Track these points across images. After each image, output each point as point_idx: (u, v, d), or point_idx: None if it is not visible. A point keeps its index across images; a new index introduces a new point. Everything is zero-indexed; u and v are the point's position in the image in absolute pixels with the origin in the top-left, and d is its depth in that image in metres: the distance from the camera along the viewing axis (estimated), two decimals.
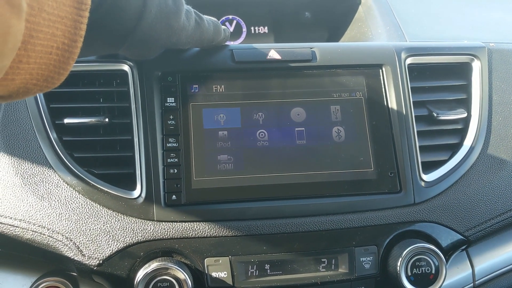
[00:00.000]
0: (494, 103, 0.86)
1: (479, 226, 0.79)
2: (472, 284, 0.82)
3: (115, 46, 0.55)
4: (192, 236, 0.72)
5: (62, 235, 0.70)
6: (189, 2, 1.19)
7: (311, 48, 0.81)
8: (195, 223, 0.72)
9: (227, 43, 0.80)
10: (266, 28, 1.25)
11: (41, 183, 0.72)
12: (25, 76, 0.40)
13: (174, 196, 0.72)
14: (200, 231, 0.72)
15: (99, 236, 0.70)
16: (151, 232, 0.71)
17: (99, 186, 0.72)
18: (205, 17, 0.69)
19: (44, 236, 0.71)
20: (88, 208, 0.71)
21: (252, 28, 1.24)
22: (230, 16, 1.23)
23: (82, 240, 0.70)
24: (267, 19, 1.25)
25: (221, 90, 0.78)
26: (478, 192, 0.80)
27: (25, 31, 0.37)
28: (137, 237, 0.71)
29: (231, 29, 1.23)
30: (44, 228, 0.71)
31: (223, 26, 0.75)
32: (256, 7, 1.24)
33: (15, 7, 0.34)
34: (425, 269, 0.73)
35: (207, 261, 0.72)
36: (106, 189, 0.72)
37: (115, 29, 0.51)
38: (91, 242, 0.70)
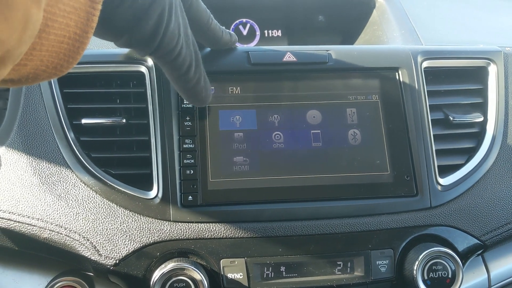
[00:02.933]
0: (510, 107, 0.86)
1: (496, 231, 0.79)
2: None
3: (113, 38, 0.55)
4: (208, 237, 0.72)
5: (79, 235, 0.71)
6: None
7: (327, 50, 0.81)
8: (211, 224, 0.72)
9: (240, 45, 0.80)
10: (279, 31, 1.25)
11: (59, 182, 0.73)
12: (36, 62, 0.41)
13: (190, 197, 0.72)
14: (216, 232, 0.72)
15: (116, 236, 0.71)
16: (167, 232, 0.71)
17: (116, 186, 0.73)
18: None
19: (61, 235, 0.71)
20: (105, 208, 0.72)
21: (266, 31, 1.25)
22: (244, 20, 1.24)
23: (99, 239, 0.71)
24: (281, 23, 1.26)
25: (237, 92, 0.78)
26: (495, 196, 0.80)
27: (42, 20, 0.38)
28: (154, 237, 0.71)
29: (245, 32, 1.24)
30: (62, 227, 0.71)
31: (230, 31, 0.76)
32: (269, 10, 1.25)
33: None
34: (441, 273, 0.73)
35: (223, 262, 0.72)
36: (123, 189, 0.73)
37: (117, 22, 0.52)
38: (108, 242, 0.71)
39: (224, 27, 0.74)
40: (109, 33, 0.53)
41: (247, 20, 1.24)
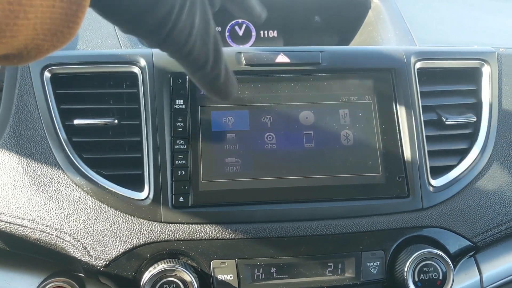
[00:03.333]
0: (504, 108, 0.86)
1: (488, 232, 0.79)
2: None
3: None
4: (199, 238, 0.72)
5: (70, 236, 0.71)
6: None
7: (320, 51, 0.81)
8: (202, 225, 0.72)
9: (236, 46, 0.80)
10: (275, 32, 1.25)
11: (50, 183, 0.73)
12: (28, 32, 0.37)
13: (181, 198, 0.73)
14: (206, 233, 0.72)
15: (106, 237, 0.71)
16: (158, 233, 0.71)
17: (107, 187, 0.73)
18: None
19: (52, 236, 0.71)
20: (96, 209, 0.72)
21: (262, 32, 1.24)
22: (240, 20, 1.23)
23: (90, 240, 0.71)
24: (277, 23, 1.25)
25: None
26: (487, 198, 0.80)
27: None
28: (144, 238, 0.71)
29: (241, 33, 1.23)
30: (52, 228, 0.71)
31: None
32: (265, 11, 1.24)
33: None
34: (432, 275, 0.73)
35: (213, 263, 0.72)
36: (114, 190, 0.73)
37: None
38: (98, 243, 0.71)
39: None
40: (115, 16, 0.47)
41: (243, 20, 1.23)
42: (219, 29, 1.23)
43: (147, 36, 0.50)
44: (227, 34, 1.22)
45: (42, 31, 0.38)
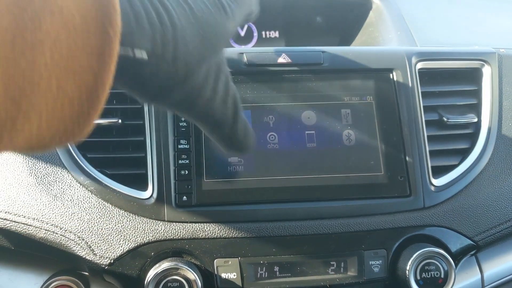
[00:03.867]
0: (505, 108, 0.86)
1: (489, 231, 0.79)
2: None
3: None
4: (202, 237, 0.72)
5: (75, 234, 0.71)
6: None
7: (322, 51, 0.82)
8: (205, 224, 0.73)
9: (238, 46, 0.81)
10: (277, 32, 1.26)
11: (55, 183, 0.73)
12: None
13: (185, 197, 0.73)
14: (210, 232, 0.72)
15: (111, 235, 0.71)
16: (161, 232, 0.72)
17: (111, 186, 0.73)
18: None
19: (56, 235, 0.72)
20: (100, 208, 0.72)
21: (263, 32, 1.25)
22: None
23: (94, 239, 0.71)
24: (278, 24, 1.26)
25: None
26: (488, 197, 0.80)
27: None
28: (148, 237, 0.72)
29: (242, 33, 1.24)
30: (57, 227, 0.72)
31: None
32: (267, 11, 1.25)
33: None
34: (434, 274, 0.73)
35: (216, 262, 0.72)
36: (118, 189, 0.73)
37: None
38: (103, 242, 0.71)
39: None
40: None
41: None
42: None
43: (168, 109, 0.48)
44: None
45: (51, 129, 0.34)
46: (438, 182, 0.79)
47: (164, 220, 0.72)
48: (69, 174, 0.74)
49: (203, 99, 0.47)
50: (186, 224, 0.72)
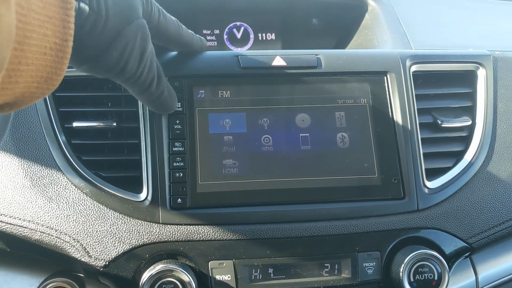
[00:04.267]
0: (499, 111, 0.87)
1: (483, 233, 0.80)
2: None
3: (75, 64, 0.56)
4: (197, 239, 0.73)
5: (69, 236, 0.72)
6: (196, 9, 1.21)
7: (316, 55, 0.82)
8: (199, 226, 0.73)
9: (234, 49, 0.81)
10: (273, 35, 1.26)
11: (50, 185, 0.74)
12: (26, 78, 0.41)
13: (179, 200, 0.73)
14: (204, 234, 0.73)
15: (106, 237, 0.72)
16: (156, 234, 0.72)
17: (106, 188, 0.74)
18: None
19: (51, 237, 0.72)
20: (95, 210, 0.73)
21: (260, 34, 1.26)
22: (238, 23, 1.25)
23: (89, 241, 0.72)
24: (275, 26, 1.27)
25: (227, 96, 0.79)
26: (482, 199, 0.81)
27: (19, 32, 0.38)
28: (143, 239, 0.72)
29: (239, 36, 1.25)
30: (52, 229, 0.72)
31: (198, 35, 0.78)
32: (263, 14, 1.25)
33: None
34: (427, 276, 0.73)
35: (211, 264, 0.72)
36: (113, 192, 0.74)
37: (81, 51, 0.53)
38: (98, 244, 0.72)
39: (192, 32, 0.76)
40: (71, 59, 0.53)
41: (241, 23, 1.25)
42: (217, 31, 1.24)
43: (104, 71, 0.57)
44: (225, 37, 1.23)
45: (36, 78, 0.43)
46: (432, 184, 0.79)
47: (158, 223, 0.72)
48: (64, 177, 0.74)
49: (132, 60, 0.56)
50: (180, 226, 0.73)
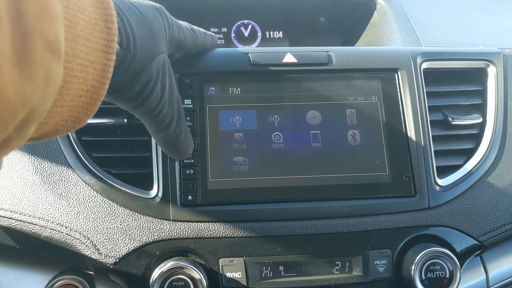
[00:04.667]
0: (510, 108, 0.86)
1: (494, 232, 0.79)
2: None
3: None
4: (207, 236, 0.72)
5: (80, 233, 0.72)
6: (204, 7, 1.21)
7: (327, 51, 0.82)
8: (210, 223, 0.73)
9: (242, 47, 0.81)
10: (281, 33, 1.26)
11: (60, 182, 0.73)
12: (57, 119, 0.41)
13: (190, 197, 0.73)
14: (215, 232, 0.72)
15: (116, 234, 0.71)
16: (167, 231, 0.72)
17: (116, 185, 0.74)
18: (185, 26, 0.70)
19: (62, 234, 0.72)
20: (105, 207, 0.73)
21: (267, 32, 1.25)
22: (246, 21, 1.24)
23: (99, 238, 0.71)
24: (282, 24, 1.26)
25: (237, 93, 0.79)
26: (493, 197, 0.80)
27: (62, 77, 0.38)
28: (153, 236, 0.72)
29: (246, 34, 1.24)
30: (62, 226, 0.72)
31: (209, 32, 0.77)
32: (271, 12, 1.25)
33: (55, 53, 0.35)
34: (439, 274, 0.73)
35: (221, 261, 0.72)
36: (123, 189, 0.73)
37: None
38: (108, 241, 0.71)
39: (204, 31, 0.75)
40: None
41: (249, 21, 1.24)
42: (225, 30, 1.23)
43: (126, 102, 0.56)
44: (233, 35, 1.23)
45: (66, 118, 0.42)
46: (443, 182, 0.79)
47: (169, 220, 0.72)
48: (75, 173, 0.74)
49: (154, 94, 0.57)
50: (191, 223, 0.72)
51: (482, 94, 0.87)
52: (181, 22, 0.68)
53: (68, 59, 0.39)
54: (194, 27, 0.72)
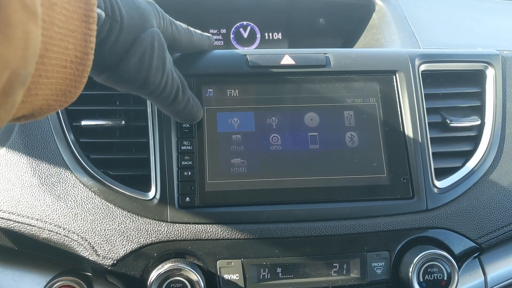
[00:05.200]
0: (508, 110, 0.86)
1: (492, 234, 0.79)
2: None
3: (94, 74, 0.56)
4: (205, 238, 0.72)
5: (78, 235, 0.72)
6: (202, 8, 1.21)
7: (325, 53, 0.82)
8: (208, 225, 0.73)
9: (241, 48, 0.81)
10: (280, 34, 1.26)
11: (58, 183, 0.74)
12: (45, 91, 0.41)
13: (187, 198, 0.73)
14: (213, 233, 0.72)
15: (114, 236, 0.72)
16: (164, 233, 0.72)
17: (114, 187, 0.74)
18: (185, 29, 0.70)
19: (60, 235, 0.72)
20: (103, 208, 0.73)
21: (266, 34, 1.25)
22: (245, 22, 1.24)
23: (97, 240, 0.71)
24: (281, 25, 1.26)
25: (235, 94, 0.79)
26: (491, 199, 0.80)
27: (41, 45, 0.38)
28: (151, 238, 0.72)
29: (245, 35, 1.24)
30: (60, 227, 0.72)
31: (206, 34, 0.77)
32: (270, 13, 1.25)
33: (31, 14, 0.35)
34: (437, 276, 0.73)
35: (219, 263, 0.72)
36: (121, 190, 0.74)
37: (99, 60, 0.52)
38: (106, 242, 0.71)
39: (201, 32, 0.75)
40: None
41: (248, 22, 1.24)
42: (224, 31, 1.24)
43: (126, 81, 0.57)
44: (232, 36, 1.23)
45: (55, 91, 0.42)
46: (441, 184, 0.79)
47: (167, 221, 0.72)
48: (73, 175, 0.74)
49: (153, 67, 0.57)
50: (189, 225, 0.72)
51: (480, 96, 0.87)
52: (176, 21, 0.68)
53: (45, 27, 0.39)
54: (190, 28, 0.72)
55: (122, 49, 0.53)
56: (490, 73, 0.87)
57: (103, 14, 0.49)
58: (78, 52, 0.43)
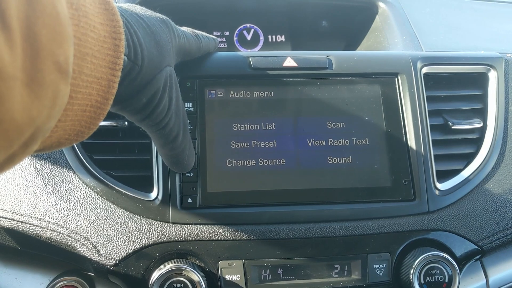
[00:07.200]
0: (510, 113, 0.86)
1: (494, 236, 0.79)
2: None
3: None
4: (207, 238, 0.73)
5: (80, 235, 0.72)
6: (206, 11, 1.21)
7: (327, 56, 0.82)
8: (209, 226, 0.73)
9: (244, 50, 0.81)
10: (283, 36, 1.26)
11: (61, 184, 0.74)
12: (60, 133, 0.41)
13: (189, 199, 0.74)
14: (214, 234, 0.73)
15: (116, 236, 0.72)
16: (166, 234, 0.72)
17: (117, 187, 0.74)
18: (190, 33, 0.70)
19: (62, 235, 0.72)
20: (106, 209, 0.73)
21: (270, 36, 1.26)
22: (248, 25, 1.25)
23: (99, 240, 0.72)
24: (285, 28, 1.27)
25: (237, 96, 0.79)
26: (493, 201, 0.80)
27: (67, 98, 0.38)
28: (153, 238, 0.72)
29: (249, 37, 1.25)
30: (63, 227, 0.72)
31: (211, 36, 0.78)
32: (273, 16, 1.26)
33: (63, 74, 0.35)
34: (438, 278, 0.73)
35: (221, 264, 0.73)
36: (123, 191, 0.74)
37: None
38: (108, 242, 0.72)
39: (207, 35, 0.75)
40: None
41: (251, 25, 1.25)
42: (227, 33, 1.24)
43: (133, 114, 0.56)
44: (235, 38, 1.24)
45: (69, 132, 0.42)
46: (443, 186, 0.79)
47: (169, 222, 0.73)
48: (76, 175, 0.75)
49: (161, 106, 0.57)
50: (190, 226, 0.73)
51: (482, 98, 0.87)
52: (185, 29, 0.69)
53: (74, 76, 0.39)
54: (197, 32, 0.72)
55: (136, 88, 0.53)
56: (492, 75, 0.87)
57: (125, 58, 0.49)
58: (100, 97, 0.43)
